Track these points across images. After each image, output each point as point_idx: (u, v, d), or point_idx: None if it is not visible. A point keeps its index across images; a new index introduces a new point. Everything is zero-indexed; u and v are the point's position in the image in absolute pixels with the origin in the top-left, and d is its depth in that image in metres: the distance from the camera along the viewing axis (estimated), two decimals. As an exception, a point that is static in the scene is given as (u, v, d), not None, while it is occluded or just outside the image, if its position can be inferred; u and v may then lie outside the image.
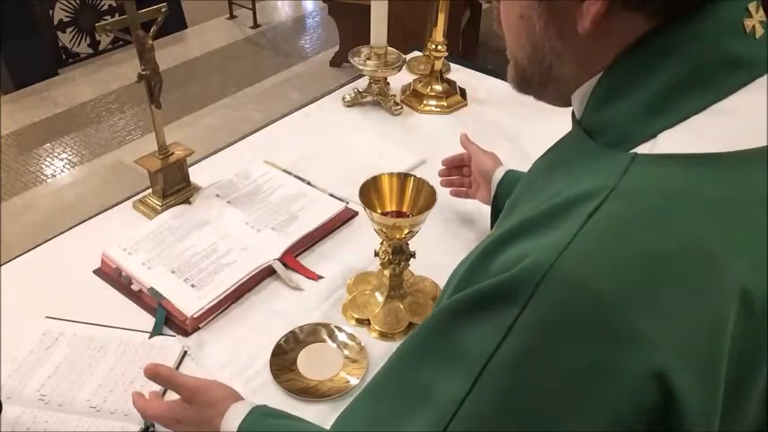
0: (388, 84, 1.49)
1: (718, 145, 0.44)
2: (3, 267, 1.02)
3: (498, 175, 1.01)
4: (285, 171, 1.24)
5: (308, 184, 1.20)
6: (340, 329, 0.92)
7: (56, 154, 2.90)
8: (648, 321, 0.39)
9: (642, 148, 0.45)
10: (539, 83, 0.56)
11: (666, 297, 0.40)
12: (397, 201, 0.91)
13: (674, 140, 0.45)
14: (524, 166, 0.72)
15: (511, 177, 0.99)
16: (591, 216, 0.42)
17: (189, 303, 0.94)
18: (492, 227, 1.03)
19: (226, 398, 0.71)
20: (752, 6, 0.46)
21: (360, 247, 1.06)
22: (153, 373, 0.74)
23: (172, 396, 0.76)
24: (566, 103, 0.57)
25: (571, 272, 0.40)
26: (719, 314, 0.41)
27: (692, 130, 0.45)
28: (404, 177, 0.91)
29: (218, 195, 1.16)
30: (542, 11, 0.50)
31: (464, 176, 1.13)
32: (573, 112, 0.56)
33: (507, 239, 0.45)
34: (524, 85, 0.58)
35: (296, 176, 1.22)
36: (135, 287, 0.99)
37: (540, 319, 0.41)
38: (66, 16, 3.51)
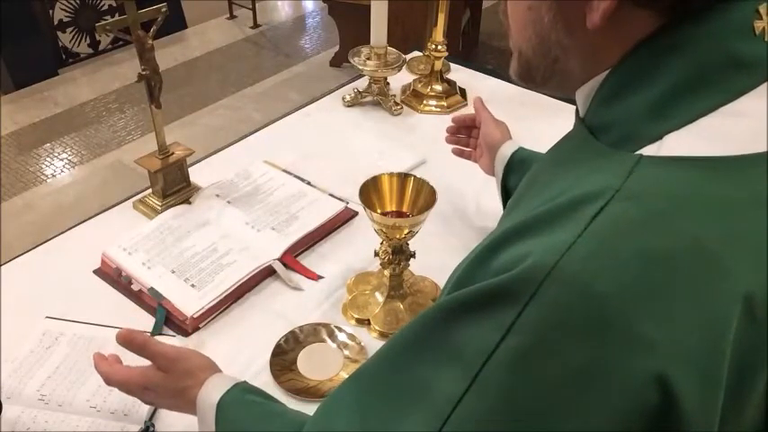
0: (388, 84, 1.49)
1: (725, 148, 0.44)
2: (3, 267, 1.02)
3: (505, 153, 1.00)
4: (285, 171, 1.24)
5: (308, 184, 1.20)
6: (340, 329, 0.92)
7: (56, 154, 2.90)
8: (651, 324, 0.39)
9: (648, 150, 0.45)
10: (543, 76, 0.55)
11: (669, 300, 0.40)
12: (397, 201, 0.91)
13: (681, 142, 0.44)
14: (524, 166, 0.72)
15: (519, 158, 0.98)
16: (595, 217, 0.41)
17: (189, 303, 0.94)
18: (504, 208, 1.02)
19: (205, 368, 0.69)
20: (762, 8, 0.45)
21: (360, 247, 1.06)
22: (127, 340, 0.70)
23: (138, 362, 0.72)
24: (567, 95, 0.56)
25: (574, 273, 0.40)
26: (722, 317, 0.40)
27: (698, 133, 0.44)
28: (404, 177, 0.91)
29: (218, 195, 1.16)
30: (552, 3, 0.50)
31: (471, 138, 1.12)
32: (576, 110, 0.56)
33: (509, 238, 0.45)
34: (527, 77, 0.57)
35: (296, 176, 1.22)
36: (135, 287, 0.99)
37: (540, 319, 0.40)
38: (67, 16, 3.51)
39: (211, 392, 0.66)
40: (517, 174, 0.97)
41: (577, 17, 0.48)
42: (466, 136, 1.13)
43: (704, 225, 0.41)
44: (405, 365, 0.48)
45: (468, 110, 1.46)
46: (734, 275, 0.41)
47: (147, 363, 0.72)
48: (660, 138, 0.45)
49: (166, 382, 0.69)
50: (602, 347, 0.39)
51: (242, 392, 0.66)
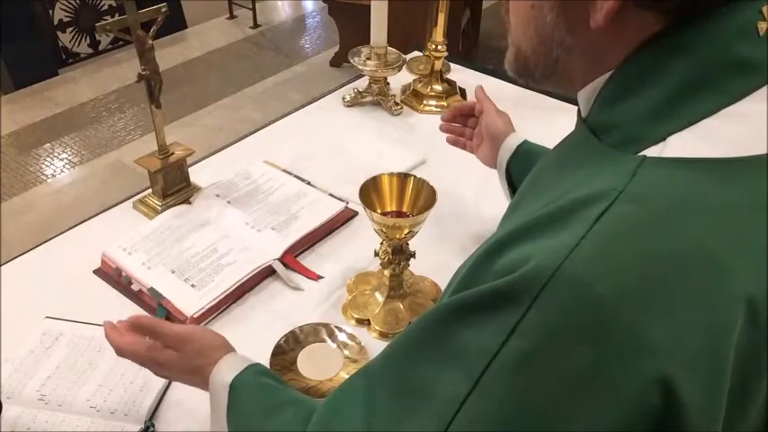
0: (388, 84, 1.49)
1: (728, 150, 0.44)
2: (3, 267, 1.02)
3: (511, 143, 0.98)
4: (285, 171, 1.24)
5: (308, 184, 1.20)
6: (340, 329, 0.92)
7: (56, 154, 2.90)
8: (654, 326, 0.39)
9: (651, 151, 0.45)
10: (542, 74, 0.55)
11: (672, 302, 0.39)
12: (397, 201, 0.91)
13: (684, 144, 0.44)
14: (524, 166, 0.71)
15: (525, 151, 0.97)
16: (599, 219, 0.41)
17: (189, 303, 0.94)
18: (510, 197, 1.00)
19: (218, 347, 0.70)
20: (765, 9, 0.45)
21: (360, 247, 1.06)
22: (136, 326, 0.71)
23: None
24: (566, 93, 0.56)
25: (577, 275, 0.40)
26: (725, 320, 0.40)
27: (701, 134, 0.44)
28: (404, 177, 0.91)
29: (218, 195, 1.16)
30: (555, 3, 0.49)
31: (467, 127, 1.10)
32: (578, 110, 0.56)
33: (511, 240, 0.45)
34: (525, 73, 0.57)
35: (296, 176, 1.22)
36: (135, 287, 0.99)
37: (543, 322, 0.40)
38: (66, 16, 3.51)
39: (224, 372, 0.66)
40: (522, 166, 0.95)
41: (581, 17, 0.48)
42: (461, 125, 1.11)
43: (707, 228, 0.41)
44: (409, 367, 0.48)
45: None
46: (736, 278, 0.41)
47: None
48: (663, 139, 0.45)
49: (179, 361, 0.70)
50: (605, 350, 0.39)
51: (255, 375, 0.66)
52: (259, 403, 0.64)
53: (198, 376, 0.69)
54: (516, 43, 0.56)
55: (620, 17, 0.46)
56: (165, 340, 0.71)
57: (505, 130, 1.01)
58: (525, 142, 0.98)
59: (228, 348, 0.71)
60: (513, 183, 0.98)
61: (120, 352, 0.72)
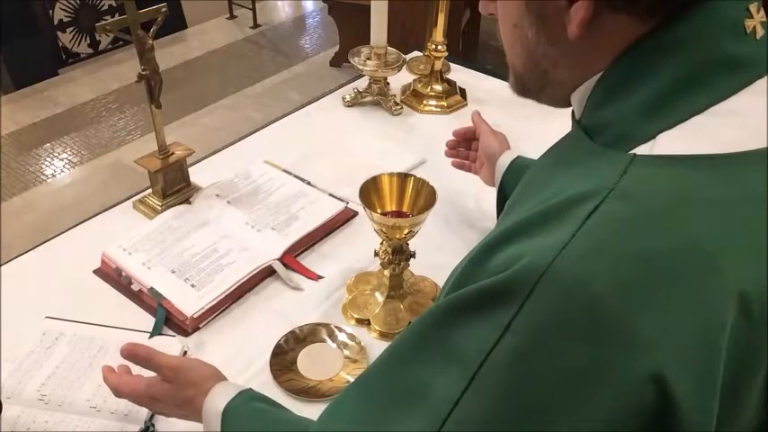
0: (388, 84, 1.49)
1: (718, 146, 0.44)
2: (3, 267, 1.02)
3: (504, 162, 1.01)
4: (285, 171, 1.24)
5: (308, 184, 1.20)
6: (340, 329, 0.92)
7: (56, 154, 2.90)
8: (646, 323, 0.39)
9: (641, 149, 0.45)
10: (537, 88, 0.57)
11: (664, 298, 0.40)
12: (397, 201, 0.91)
13: (674, 141, 0.45)
14: (524, 166, 0.71)
15: (517, 166, 0.99)
16: (589, 216, 0.42)
17: (189, 303, 0.94)
18: (498, 216, 1.02)
19: (208, 377, 0.70)
20: (753, 7, 0.46)
21: (360, 247, 1.06)
22: (131, 354, 0.72)
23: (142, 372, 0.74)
24: (566, 104, 0.57)
25: (569, 272, 0.40)
26: (718, 316, 0.40)
27: (691, 132, 0.45)
28: (404, 177, 0.91)
29: (218, 195, 1.16)
30: (533, 18, 0.51)
31: (471, 150, 1.13)
32: (572, 112, 0.56)
33: (505, 239, 0.45)
34: (524, 90, 0.59)
35: (296, 176, 1.22)
36: (135, 287, 0.99)
37: (537, 319, 0.41)
38: (67, 16, 3.51)
39: (217, 400, 0.67)
40: (515, 180, 0.97)
41: (558, 29, 0.49)
42: (465, 149, 1.14)
43: (697, 223, 0.42)
44: (404, 367, 0.48)
45: (468, 110, 1.46)
46: (727, 273, 0.41)
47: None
48: (653, 137, 0.45)
49: (172, 392, 0.70)
50: (598, 347, 0.39)
51: (247, 399, 0.67)
52: (252, 427, 0.64)
53: (191, 407, 0.69)
54: (511, 63, 0.58)
55: (596, 24, 0.46)
56: (158, 370, 0.71)
57: (500, 149, 1.03)
58: (518, 158, 1.00)
59: (219, 377, 0.71)
60: (504, 199, 1.00)
61: (118, 393, 0.73)
